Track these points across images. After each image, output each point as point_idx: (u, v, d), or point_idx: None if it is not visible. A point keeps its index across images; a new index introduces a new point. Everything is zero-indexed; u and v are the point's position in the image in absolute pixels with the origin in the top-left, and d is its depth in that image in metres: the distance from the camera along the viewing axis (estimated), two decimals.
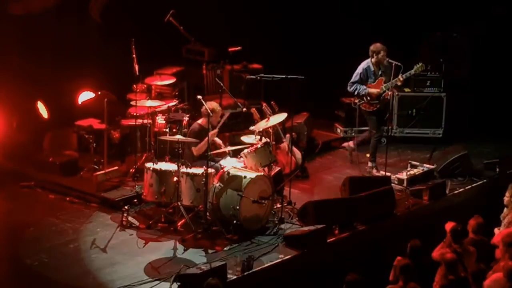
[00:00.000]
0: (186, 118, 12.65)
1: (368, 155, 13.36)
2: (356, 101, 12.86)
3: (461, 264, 9.68)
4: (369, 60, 12.67)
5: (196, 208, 10.99)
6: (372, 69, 12.65)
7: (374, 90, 12.61)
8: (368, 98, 12.64)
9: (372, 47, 12.63)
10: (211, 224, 10.83)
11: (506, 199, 10.99)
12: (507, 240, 9.63)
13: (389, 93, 12.65)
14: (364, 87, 12.59)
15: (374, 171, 12.83)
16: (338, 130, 14.53)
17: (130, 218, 11.07)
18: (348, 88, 12.77)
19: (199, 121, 11.56)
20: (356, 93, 12.69)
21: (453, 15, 15.17)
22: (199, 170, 10.96)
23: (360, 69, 12.68)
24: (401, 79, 12.51)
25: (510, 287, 8.97)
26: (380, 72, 12.66)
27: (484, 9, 15.12)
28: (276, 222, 11.16)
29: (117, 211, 11.32)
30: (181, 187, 10.95)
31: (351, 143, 13.35)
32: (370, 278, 9.21)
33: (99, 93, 12.71)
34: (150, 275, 9.76)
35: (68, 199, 11.98)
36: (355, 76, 12.69)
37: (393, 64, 12.52)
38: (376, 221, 11.33)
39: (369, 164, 12.94)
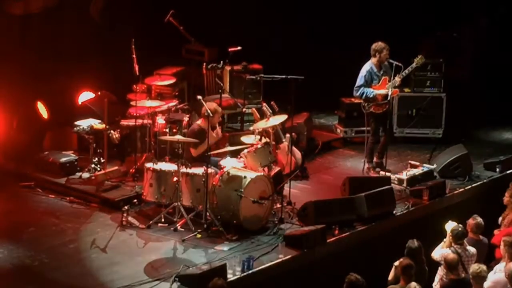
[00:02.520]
0: (186, 118, 12.65)
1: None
2: (365, 104, 12.66)
3: (461, 264, 9.68)
4: (370, 61, 12.58)
5: (196, 208, 10.99)
6: (375, 70, 12.59)
7: (381, 91, 12.55)
8: (377, 100, 12.56)
9: (374, 46, 12.52)
10: (211, 224, 10.83)
11: (505, 199, 11.01)
12: (507, 240, 9.63)
13: (397, 90, 12.63)
14: (371, 89, 12.50)
15: (371, 171, 12.82)
16: (338, 130, 14.53)
17: (130, 218, 11.06)
18: (355, 93, 12.66)
19: (198, 122, 11.55)
20: (364, 96, 12.56)
21: (453, 15, 15.18)
22: (199, 170, 10.96)
23: (364, 72, 12.58)
24: (403, 75, 12.48)
25: None
26: (382, 72, 12.62)
27: (484, 9, 15.14)
28: (276, 222, 11.16)
29: (117, 211, 11.31)
30: (181, 187, 10.94)
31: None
32: (370, 278, 9.21)
33: (99, 93, 12.69)
34: (150, 275, 9.76)
35: (68, 199, 11.97)
36: (360, 80, 12.56)
37: (394, 64, 12.51)
38: (376, 221, 11.33)
39: (367, 165, 12.92)
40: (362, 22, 15.05)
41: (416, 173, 12.57)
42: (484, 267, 9.41)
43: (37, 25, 13.40)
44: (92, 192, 11.94)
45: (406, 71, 12.50)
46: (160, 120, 12.55)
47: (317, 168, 13.30)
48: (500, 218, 11.04)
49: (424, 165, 12.90)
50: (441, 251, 9.97)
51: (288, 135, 12.33)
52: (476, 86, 14.93)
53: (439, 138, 14.38)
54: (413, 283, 9.05)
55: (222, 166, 11.25)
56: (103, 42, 13.96)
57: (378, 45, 12.53)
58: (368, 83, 12.54)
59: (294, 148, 12.33)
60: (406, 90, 14.47)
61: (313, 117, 14.21)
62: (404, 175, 12.48)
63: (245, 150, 11.29)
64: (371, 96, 12.51)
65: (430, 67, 14.25)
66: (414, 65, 12.54)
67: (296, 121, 13.21)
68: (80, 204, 11.82)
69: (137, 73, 12.39)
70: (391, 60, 12.55)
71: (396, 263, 9.40)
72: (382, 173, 12.63)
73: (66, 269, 9.97)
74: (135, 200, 11.54)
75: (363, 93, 12.53)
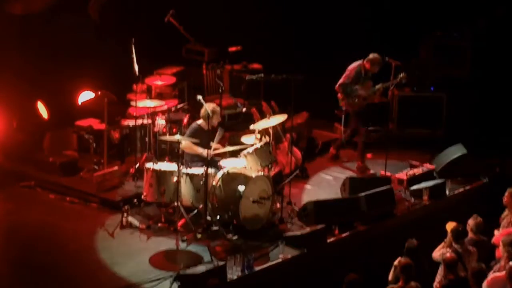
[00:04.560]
0: (186, 118, 12.65)
1: (369, 155, 13.40)
2: (343, 100, 12.89)
3: (461, 264, 9.69)
4: (360, 62, 12.73)
5: (196, 208, 10.99)
6: (362, 72, 12.76)
7: (362, 92, 12.74)
8: (356, 99, 12.73)
9: (372, 57, 12.67)
10: (211, 224, 10.83)
11: (505, 199, 11.00)
12: (507, 240, 9.63)
13: (374, 97, 12.80)
14: (354, 88, 12.73)
15: (366, 171, 12.89)
16: (338, 130, 14.51)
17: (130, 218, 11.07)
18: (337, 88, 12.83)
19: (199, 122, 11.54)
20: (345, 92, 12.79)
21: (453, 15, 15.17)
22: (198, 170, 10.96)
23: (352, 71, 12.79)
24: (382, 87, 12.78)
25: None
26: (367, 76, 12.76)
27: (484, 8, 15.12)
28: (276, 222, 11.16)
29: (117, 211, 11.31)
30: (181, 187, 10.94)
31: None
32: (370, 278, 9.21)
33: (99, 93, 12.70)
34: (150, 275, 9.76)
35: (68, 199, 11.98)
36: (347, 79, 12.79)
37: (393, 64, 12.55)
38: (376, 221, 11.33)
39: (359, 163, 12.99)
40: (362, 22, 15.02)
41: (416, 173, 12.58)
42: (484, 266, 9.41)
43: (37, 25, 13.40)
44: (92, 192, 11.95)
45: (389, 84, 12.77)
46: (160, 120, 12.55)
47: (317, 168, 13.30)
48: (501, 218, 11.03)
49: (424, 165, 12.91)
50: (441, 251, 9.97)
51: (288, 135, 12.33)
52: (476, 85, 14.90)
53: (439, 138, 14.38)
54: (413, 283, 9.05)
55: (222, 166, 11.26)
56: (103, 42, 13.96)
57: (375, 58, 12.69)
58: (353, 82, 12.76)
59: (294, 148, 12.33)
60: (406, 90, 14.48)
61: (313, 117, 14.19)
62: (404, 175, 12.48)
63: (245, 150, 11.29)
64: (353, 95, 12.75)
65: (430, 67, 14.24)
66: (398, 80, 12.71)
67: (296, 121, 13.22)
68: (80, 204, 11.83)
69: (137, 73, 12.39)
70: (390, 60, 12.59)
71: (396, 263, 9.41)
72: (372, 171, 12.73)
73: (66, 269, 9.99)
74: (135, 200, 11.54)
75: (344, 89, 12.78)
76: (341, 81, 12.82)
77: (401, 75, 12.70)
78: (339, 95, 12.93)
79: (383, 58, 12.74)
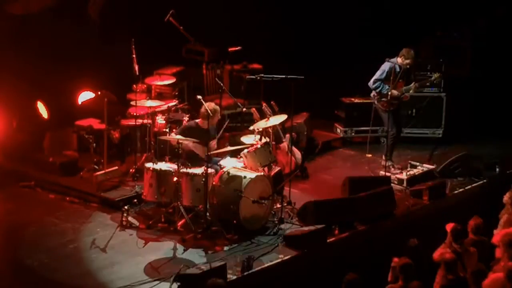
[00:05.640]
0: (186, 118, 12.65)
1: (369, 155, 13.40)
2: (375, 98, 12.83)
3: (461, 264, 9.68)
4: (395, 59, 12.66)
5: (196, 208, 10.99)
6: (397, 69, 12.70)
7: (395, 91, 12.66)
8: (389, 97, 12.65)
9: (405, 52, 12.62)
10: (211, 224, 10.83)
11: (505, 198, 11.00)
12: (506, 240, 9.64)
13: (407, 95, 12.74)
14: (387, 86, 12.63)
15: (392, 169, 12.82)
16: (338, 130, 14.54)
17: (130, 218, 11.07)
18: (371, 84, 12.77)
19: (197, 120, 11.54)
20: (378, 90, 12.72)
21: (453, 15, 15.18)
22: (199, 170, 10.96)
23: (387, 67, 12.72)
24: (417, 86, 12.78)
25: (511, 287, 8.97)
26: (401, 74, 12.71)
27: (484, 8, 15.14)
28: (276, 222, 11.16)
29: (117, 211, 11.31)
30: (181, 187, 10.94)
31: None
32: (369, 278, 9.21)
33: (99, 93, 12.70)
34: (150, 275, 9.76)
35: (68, 199, 11.98)
36: (382, 74, 12.72)
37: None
38: (376, 221, 11.32)
39: (387, 163, 12.93)
40: (363, 22, 15.04)
41: (416, 173, 12.58)
42: (483, 266, 9.41)
43: (37, 25, 13.39)
44: (92, 192, 11.95)
45: (423, 83, 12.88)
46: (160, 120, 12.55)
47: (317, 168, 13.31)
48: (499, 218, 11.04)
49: (424, 165, 12.91)
50: (441, 251, 9.97)
51: (288, 135, 12.33)
52: (476, 85, 14.91)
53: (439, 138, 14.38)
54: (412, 283, 9.04)
55: (222, 166, 11.26)
56: (103, 42, 13.95)
57: (408, 52, 12.64)
58: (387, 79, 12.67)
59: (294, 148, 12.33)
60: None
61: (313, 117, 14.19)
62: (404, 175, 12.48)
63: (245, 150, 11.29)
64: (385, 92, 12.65)
65: (430, 67, 14.26)
66: (432, 80, 12.70)
67: (296, 121, 13.22)
68: (80, 204, 11.84)
69: (137, 73, 12.39)
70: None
71: (394, 264, 9.41)
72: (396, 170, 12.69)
73: (66, 270, 9.98)
74: (135, 200, 11.54)
75: (378, 86, 12.70)
76: (375, 77, 12.76)
77: (436, 74, 12.71)
78: (373, 93, 12.86)
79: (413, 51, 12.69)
